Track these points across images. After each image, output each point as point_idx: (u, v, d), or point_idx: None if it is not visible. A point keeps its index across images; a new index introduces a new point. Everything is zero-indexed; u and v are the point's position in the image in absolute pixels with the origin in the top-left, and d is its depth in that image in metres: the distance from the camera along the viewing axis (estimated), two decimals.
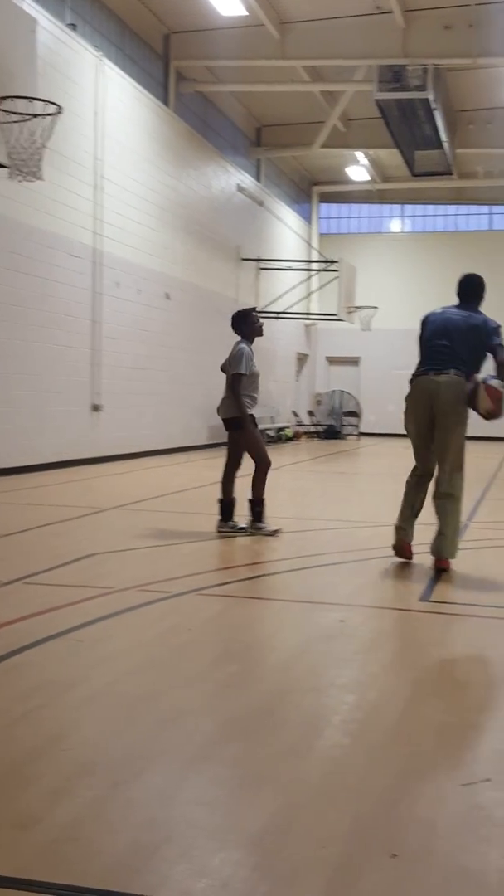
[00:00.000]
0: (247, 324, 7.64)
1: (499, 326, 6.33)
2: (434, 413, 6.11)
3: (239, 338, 7.64)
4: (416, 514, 6.39)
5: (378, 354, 27.09)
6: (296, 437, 24.10)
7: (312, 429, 26.01)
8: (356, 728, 3.21)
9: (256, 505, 7.44)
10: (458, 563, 6.23)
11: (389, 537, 6.18)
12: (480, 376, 6.10)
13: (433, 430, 6.16)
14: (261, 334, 7.73)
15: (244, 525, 7.45)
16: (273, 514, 8.27)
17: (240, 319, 7.69)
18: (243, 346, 7.49)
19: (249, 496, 7.44)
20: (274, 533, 7.39)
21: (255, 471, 7.45)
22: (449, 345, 6.19)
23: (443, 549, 6.10)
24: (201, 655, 4.07)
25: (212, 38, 16.78)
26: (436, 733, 3.20)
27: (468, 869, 2.27)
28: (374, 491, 12.10)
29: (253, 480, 7.47)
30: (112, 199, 14.75)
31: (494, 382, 5.99)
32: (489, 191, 26.52)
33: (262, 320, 7.82)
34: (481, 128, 21.11)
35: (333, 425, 26.54)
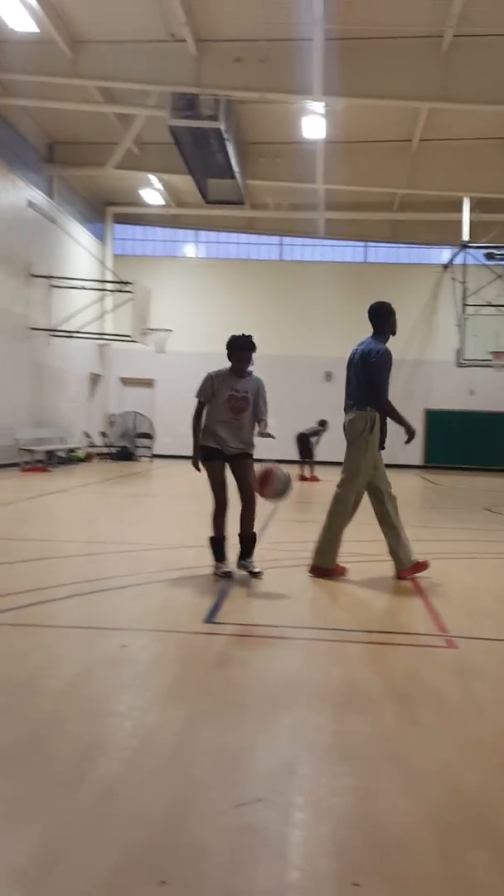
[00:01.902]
0: (234, 348, 6.86)
1: (377, 353, 6.73)
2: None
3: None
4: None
5: (173, 377, 27.24)
6: (87, 458, 23.76)
7: (105, 450, 25.75)
8: (131, 755, 3.17)
9: (244, 541, 6.91)
10: (256, 585, 6.34)
11: (178, 559, 6.13)
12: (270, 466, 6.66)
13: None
14: (240, 367, 6.86)
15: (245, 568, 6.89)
16: (61, 538, 8.09)
17: (232, 345, 6.92)
18: (213, 371, 6.92)
19: (239, 532, 6.90)
20: (227, 574, 6.79)
21: (243, 508, 6.90)
22: (350, 381, 6.88)
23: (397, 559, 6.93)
24: None
25: (2, 50, 16.40)
26: (212, 756, 3.20)
27: (235, 890, 2.28)
28: (164, 513, 12.10)
29: (241, 516, 6.90)
30: None
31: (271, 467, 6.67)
32: (279, 222, 27.45)
33: (251, 358, 6.94)
34: (271, 161, 21.84)
35: (126, 447, 26.39)
